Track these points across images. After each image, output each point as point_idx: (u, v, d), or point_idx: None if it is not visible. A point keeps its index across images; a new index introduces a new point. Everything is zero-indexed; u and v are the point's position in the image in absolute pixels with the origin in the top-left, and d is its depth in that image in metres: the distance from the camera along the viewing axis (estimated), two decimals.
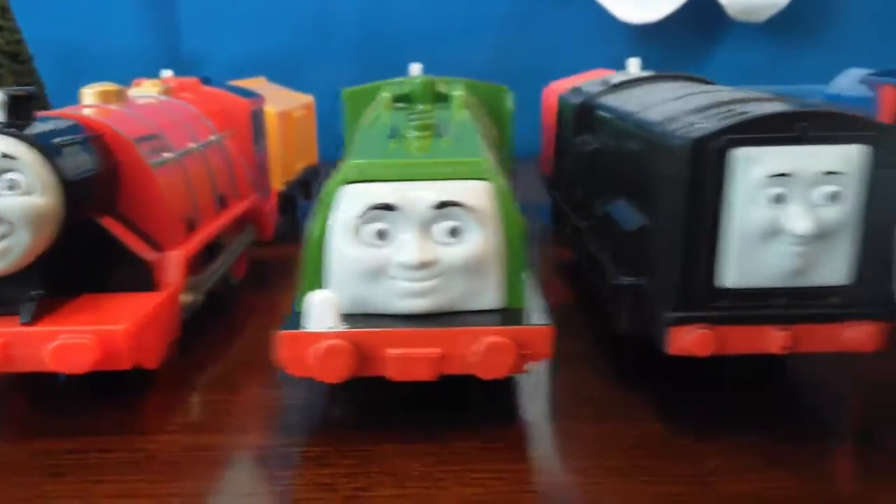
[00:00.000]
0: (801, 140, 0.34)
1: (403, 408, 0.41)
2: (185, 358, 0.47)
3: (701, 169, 0.35)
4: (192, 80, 0.62)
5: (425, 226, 0.37)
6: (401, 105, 0.49)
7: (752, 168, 0.35)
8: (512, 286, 0.38)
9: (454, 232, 0.37)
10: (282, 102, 0.79)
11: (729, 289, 0.36)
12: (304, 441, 0.39)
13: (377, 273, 0.37)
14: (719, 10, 1.17)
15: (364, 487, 0.35)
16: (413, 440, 0.38)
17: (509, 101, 0.59)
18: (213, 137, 0.55)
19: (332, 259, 0.38)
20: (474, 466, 0.36)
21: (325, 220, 0.38)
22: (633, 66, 0.61)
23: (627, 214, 0.42)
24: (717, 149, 0.35)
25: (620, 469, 0.36)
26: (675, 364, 0.39)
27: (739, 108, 0.37)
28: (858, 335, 0.36)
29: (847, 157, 0.35)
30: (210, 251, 0.55)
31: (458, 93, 0.47)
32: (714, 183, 0.35)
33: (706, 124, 0.36)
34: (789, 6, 1.16)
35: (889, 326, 0.36)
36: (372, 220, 0.37)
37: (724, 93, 0.43)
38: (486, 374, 0.36)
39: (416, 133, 0.41)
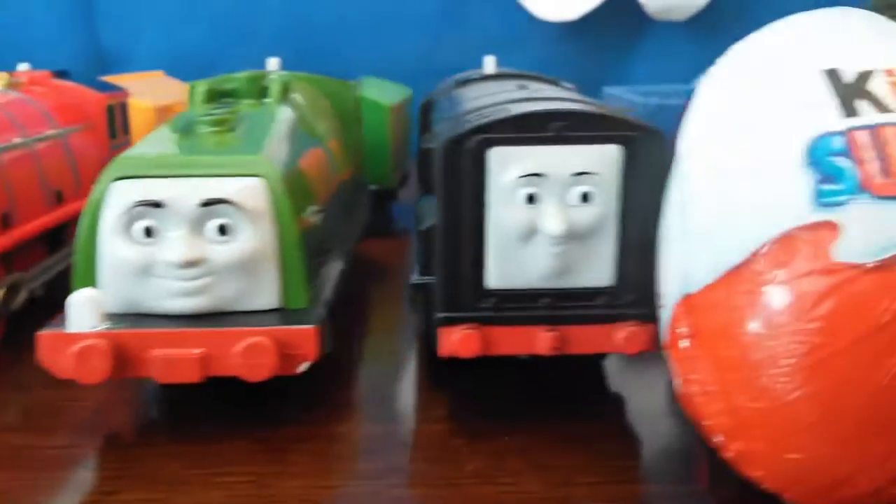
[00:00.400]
0: (554, 140, 0.34)
1: (192, 409, 0.41)
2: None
3: (456, 169, 0.35)
4: (43, 74, 0.61)
5: (195, 223, 0.36)
6: (228, 100, 0.49)
7: (506, 168, 0.34)
8: (289, 286, 0.38)
9: (223, 230, 0.36)
10: (166, 97, 0.78)
11: (494, 290, 0.36)
12: (76, 442, 0.38)
13: (146, 272, 0.36)
14: (639, 9, 1.17)
15: (112, 491, 0.34)
16: (183, 441, 0.38)
17: (356, 97, 0.58)
18: (51, 132, 0.54)
19: (101, 257, 0.37)
20: (232, 469, 0.35)
21: (94, 216, 0.37)
22: (489, 65, 0.61)
23: (425, 214, 0.42)
24: (470, 149, 0.34)
25: (379, 471, 0.35)
26: (481, 365, 0.39)
27: (512, 107, 0.37)
28: (624, 337, 0.36)
29: (601, 158, 0.34)
30: (51, 246, 0.54)
31: (275, 88, 0.47)
32: (472, 183, 0.35)
33: (469, 124, 0.35)
34: (710, 5, 1.16)
35: (656, 328, 0.36)
36: (139, 217, 0.36)
37: (523, 92, 0.42)
38: (249, 375, 0.36)
39: (209, 128, 0.40)
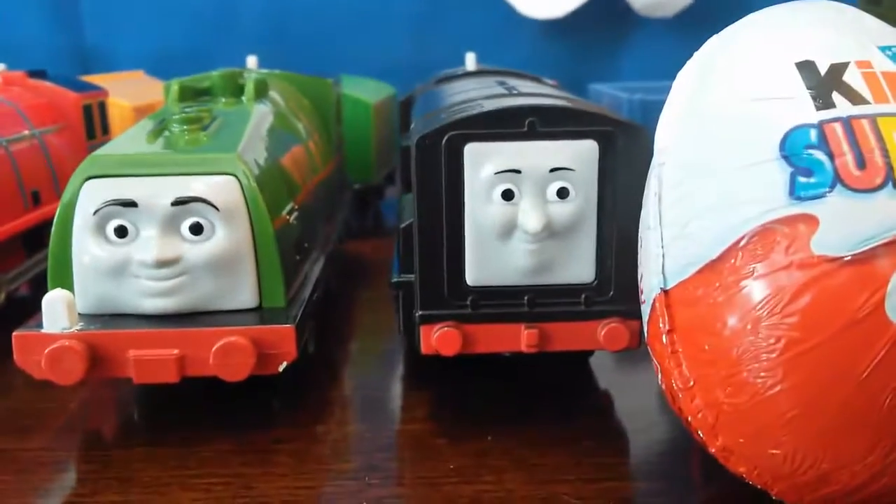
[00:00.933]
0: (530, 136, 0.34)
1: (173, 411, 0.40)
2: None
3: (432, 166, 0.34)
4: (18, 74, 0.60)
5: (168, 222, 0.36)
6: (204, 98, 0.48)
7: (482, 164, 0.34)
8: (266, 285, 0.37)
9: (197, 229, 0.36)
10: (145, 96, 0.77)
11: (473, 287, 0.36)
12: (55, 444, 0.38)
13: (121, 271, 0.36)
14: (626, 6, 1.17)
15: (88, 493, 0.34)
16: (164, 442, 0.37)
17: (334, 95, 0.58)
18: (25, 132, 0.54)
19: (75, 257, 0.36)
20: (212, 470, 0.35)
21: (67, 216, 0.36)
22: (470, 62, 0.60)
23: (406, 211, 0.42)
24: (445, 145, 0.34)
25: (360, 471, 0.35)
26: (466, 363, 0.39)
27: (488, 103, 0.36)
28: (605, 334, 0.36)
29: (577, 153, 0.34)
30: (30, 248, 0.54)
31: (249, 86, 0.46)
32: (448, 180, 0.34)
33: (444, 120, 0.35)
34: (697, 1, 1.16)
35: (638, 324, 0.36)
36: (112, 216, 0.36)
37: (501, 88, 0.42)
38: (227, 375, 0.35)
39: (181, 126, 0.40)
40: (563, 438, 0.37)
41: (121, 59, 1.15)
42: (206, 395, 0.40)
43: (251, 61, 0.61)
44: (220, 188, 0.36)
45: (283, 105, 0.50)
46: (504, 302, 0.36)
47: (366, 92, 0.73)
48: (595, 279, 0.36)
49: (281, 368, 0.36)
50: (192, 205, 0.35)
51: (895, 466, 0.26)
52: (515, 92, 0.41)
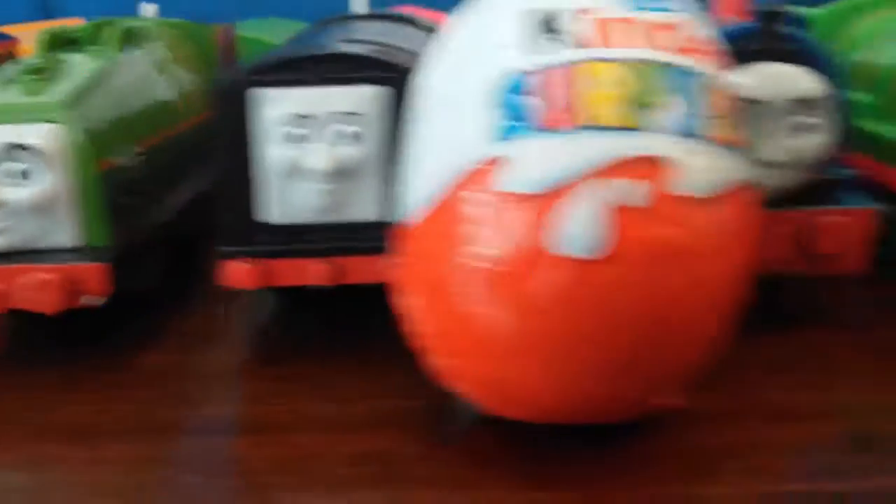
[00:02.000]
0: (318, 82, 0.36)
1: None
2: None
3: (227, 110, 0.37)
4: None
5: None
6: (72, 47, 0.50)
7: (273, 109, 0.37)
8: (90, 225, 0.40)
9: (21, 174, 0.38)
10: None
11: (271, 224, 0.38)
12: None
13: None
14: None
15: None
16: None
17: (222, 41, 0.60)
18: None
19: None
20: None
21: None
22: (358, 4, 0.61)
23: None
24: (239, 91, 0.37)
25: (161, 398, 0.38)
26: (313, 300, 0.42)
27: (298, 50, 0.39)
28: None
29: (364, 98, 0.37)
30: None
31: (114, 35, 0.48)
32: (242, 123, 0.37)
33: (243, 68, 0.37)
34: None
35: None
36: None
37: (344, 34, 0.44)
38: (43, 309, 0.38)
39: (22, 76, 0.42)
40: (362, 363, 0.40)
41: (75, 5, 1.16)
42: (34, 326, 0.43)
43: (149, 9, 0.63)
44: (44, 134, 0.38)
45: (156, 54, 0.52)
46: (300, 238, 0.38)
47: (273, 34, 0.73)
48: (382, 217, 0.38)
49: (90, 303, 0.39)
50: (15, 150, 0.38)
51: (569, 387, 0.29)
52: (345, 39, 0.43)
